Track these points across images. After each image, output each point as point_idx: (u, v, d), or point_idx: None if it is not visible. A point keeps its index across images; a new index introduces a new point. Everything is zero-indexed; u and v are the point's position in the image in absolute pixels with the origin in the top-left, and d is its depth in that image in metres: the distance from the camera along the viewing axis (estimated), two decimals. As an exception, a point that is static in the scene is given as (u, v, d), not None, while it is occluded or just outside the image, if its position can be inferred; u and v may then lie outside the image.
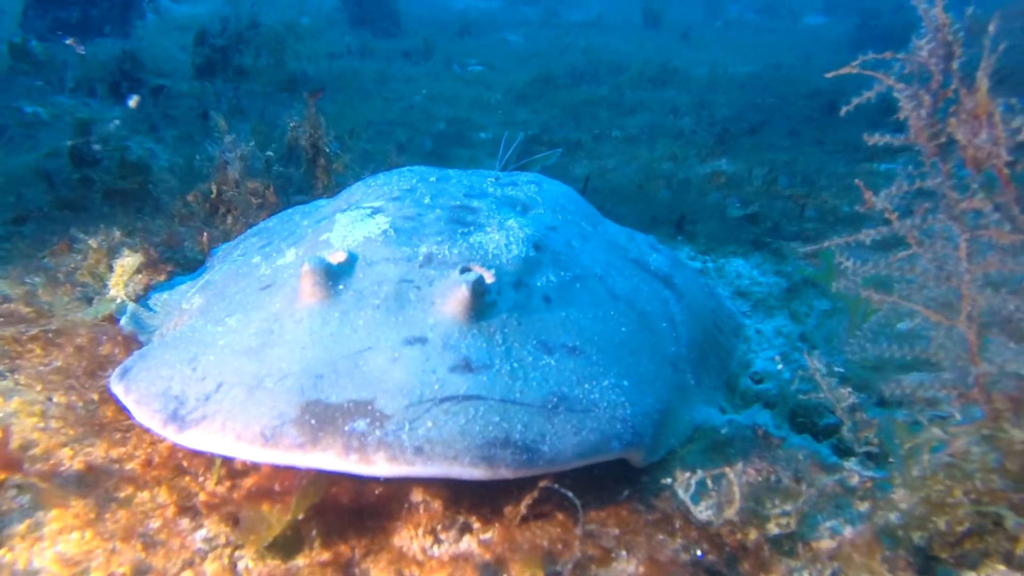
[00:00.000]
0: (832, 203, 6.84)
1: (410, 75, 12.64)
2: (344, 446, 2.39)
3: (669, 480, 2.87)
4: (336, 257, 3.12)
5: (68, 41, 9.15)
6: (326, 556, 2.53)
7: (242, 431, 2.46)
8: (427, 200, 3.67)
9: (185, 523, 2.60)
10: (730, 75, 13.29)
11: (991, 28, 2.48)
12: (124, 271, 3.84)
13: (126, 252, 3.91)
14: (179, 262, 4.49)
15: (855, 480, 3.03)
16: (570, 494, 2.58)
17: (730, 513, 2.70)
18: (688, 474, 2.86)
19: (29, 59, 9.67)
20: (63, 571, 2.40)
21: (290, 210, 4.69)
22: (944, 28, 2.68)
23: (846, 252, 3.06)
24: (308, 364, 2.67)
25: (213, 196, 5.21)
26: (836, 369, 3.82)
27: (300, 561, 2.50)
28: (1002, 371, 2.62)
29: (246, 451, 2.44)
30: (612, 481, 2.87)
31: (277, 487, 2.59)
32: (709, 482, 2.84)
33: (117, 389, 2.87)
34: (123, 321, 3.63)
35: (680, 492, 2.81)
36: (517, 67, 13.85)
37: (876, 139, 2.81)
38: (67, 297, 3.99)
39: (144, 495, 2.72)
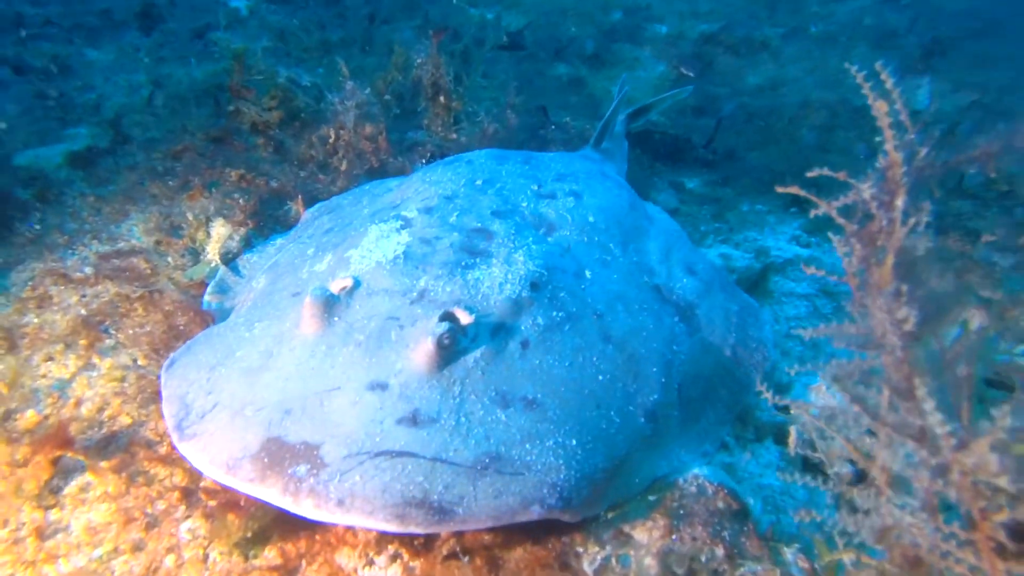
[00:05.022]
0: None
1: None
2: (283, 487, 2.89)
3: (581, 550, 3.11)
4: (341, 284, 3.50)
5: None
6: (278, 561, 3.12)
7: (214, 457, 3.03)
8: (453, 218, 3.88)
9: (180, 511, 3.29)
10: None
11: (898, 202, 2.21)
12: (219, 238, 4.50)
13: (219, 222, 4.56)
14: (279, 219, 5.10)
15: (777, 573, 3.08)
16: (465, 559, 2.94)
17: (618, 598, 2.92)
18: (596, 549, 3.08)
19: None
20: (86, 537, 3.19)
21: (366, 187, 5.07)
22: (895, 167, 2.40)
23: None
24: (284, 397, 3.15)
25: (332, 140, 5.70)
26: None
27: (257, 562, 3.12)
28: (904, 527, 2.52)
29: (214, 474, 3.02)
30: (543, 531, 3.15)
31: (243, 502, 3.19)
32: (613, 561, 3.04)
33: (162, 378, 3.57)
34: (207, 294, 4.31)
35: (585, 565, 3.05)
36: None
37: (812, 270, 2.74)
38: (178, 252, 4.74)
39: (165, 472, 3.45)
